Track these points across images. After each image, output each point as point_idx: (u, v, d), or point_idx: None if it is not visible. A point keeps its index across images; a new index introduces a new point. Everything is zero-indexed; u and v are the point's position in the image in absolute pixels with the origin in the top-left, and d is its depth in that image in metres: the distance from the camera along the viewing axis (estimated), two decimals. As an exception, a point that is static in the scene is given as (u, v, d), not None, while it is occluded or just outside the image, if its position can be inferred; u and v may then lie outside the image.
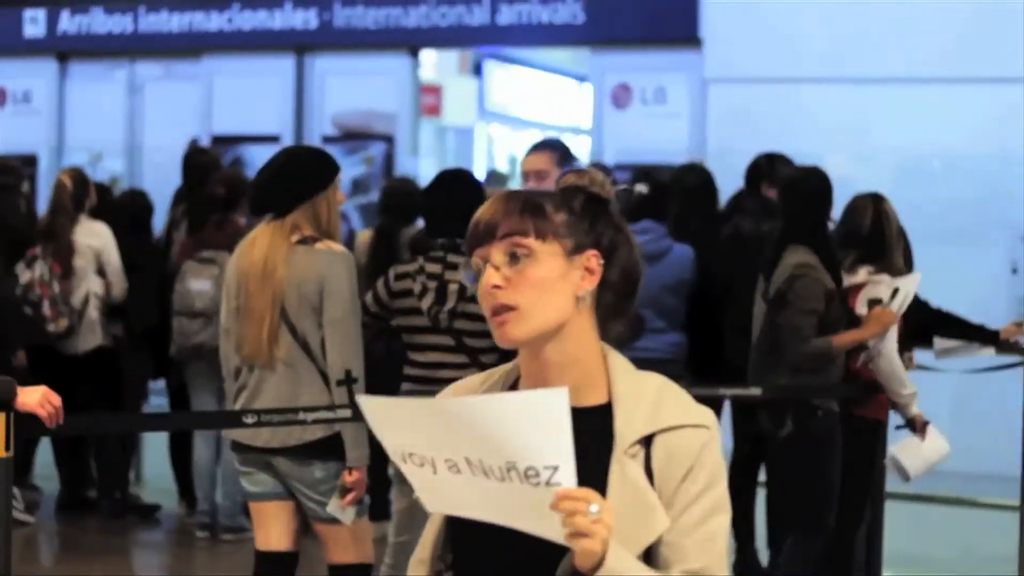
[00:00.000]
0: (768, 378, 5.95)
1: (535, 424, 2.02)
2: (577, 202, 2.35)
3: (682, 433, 2.28)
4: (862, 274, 6.05)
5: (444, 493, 2.13)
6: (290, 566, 5.12)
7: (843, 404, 5.98)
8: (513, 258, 2.28)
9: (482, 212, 2.32)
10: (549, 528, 2.07)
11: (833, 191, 6.10)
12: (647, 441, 2.27)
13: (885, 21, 11.06)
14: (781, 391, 5.91)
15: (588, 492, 2.06)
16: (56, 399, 4.39)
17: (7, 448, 4.40)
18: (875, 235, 6.05)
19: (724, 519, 2.28)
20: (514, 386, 2.39)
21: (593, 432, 2.25)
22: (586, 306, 2.32)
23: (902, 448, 6.12)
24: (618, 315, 2.39)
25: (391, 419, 2.11)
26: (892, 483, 6.43)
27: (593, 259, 2.32)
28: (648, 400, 2.31)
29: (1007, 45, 10.39)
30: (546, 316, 2.27)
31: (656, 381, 2.37)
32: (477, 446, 2.04)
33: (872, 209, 6.07)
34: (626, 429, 2.28)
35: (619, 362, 2.37)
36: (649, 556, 2.23)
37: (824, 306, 5.83)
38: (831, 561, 6.13)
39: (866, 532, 6.29)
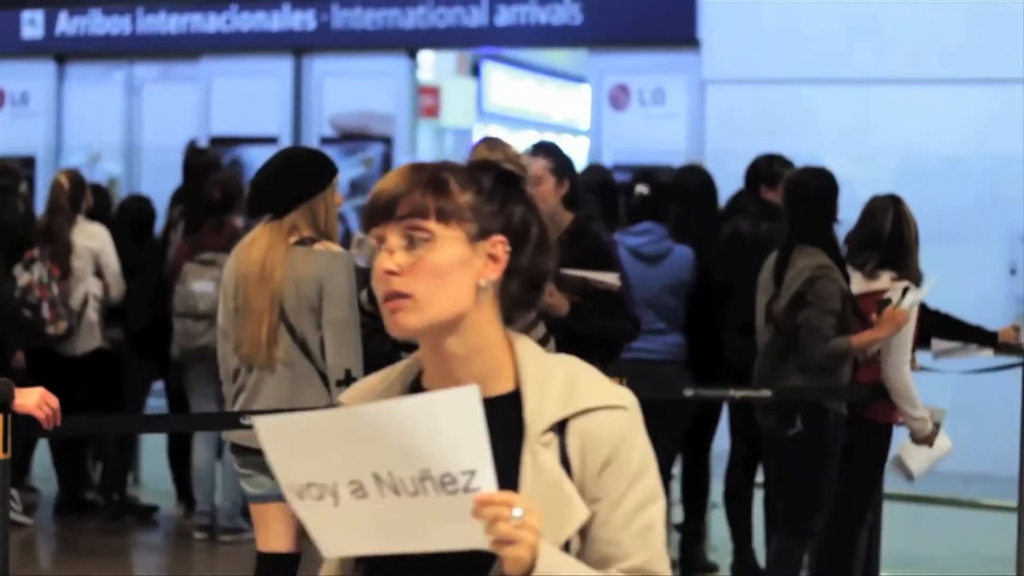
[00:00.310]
0: (778, 379, 5.94)
1: (447, 427, 1.89)
2: (487, 180, 2.18)
3: (598, 416, 2.12)
4: (884, 280, 5.99)
5: (346, 529, 1.97)
6: (291, 567, 5.11)
7: (852, 407, 5.96)
8: (411, 242, 2.11)
9: (383, 183, 2.16)
10: (473, 538, 1.93)
11: (839, 191, 6.06)
12: (561, 428, 2.12)
13: (884, 22, 11.06)
14: (791, 393, 5.89)
15: (510, 496, 1.93)
16: (54, 401, 4.39)
17: (5, 450, 4.39)
18: (895, 238, 5.99)
19: (659, 507, 2.15)
20: (416, 381, 2.24)
21: (502, 422, 2.09)
22: (488, 296, 2.15)
23: (906, 449, 6.11)
24: (523, 306, 2.20)
25: (290, 441, 1.95)
26: (891, 484, 6.42)
27: (499, 246, 2.15)
28: (558, 383, 2.15)
29: (1006, 46, 10.39)
30: (442, 306, 2.11)
31: (567, 363, 2.20)
32: (386, 457, 1.90)
33: (892, 211, 6.02)
34: (536, 416, 2.12)
35: (526, 346, 2.20)
36: (584, 552, 2.11)
37: (841, 307, 5.82)
38: (832, 563, 6.12)
39: (865, 533, 6.29)
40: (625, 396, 2.16)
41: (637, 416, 2.16)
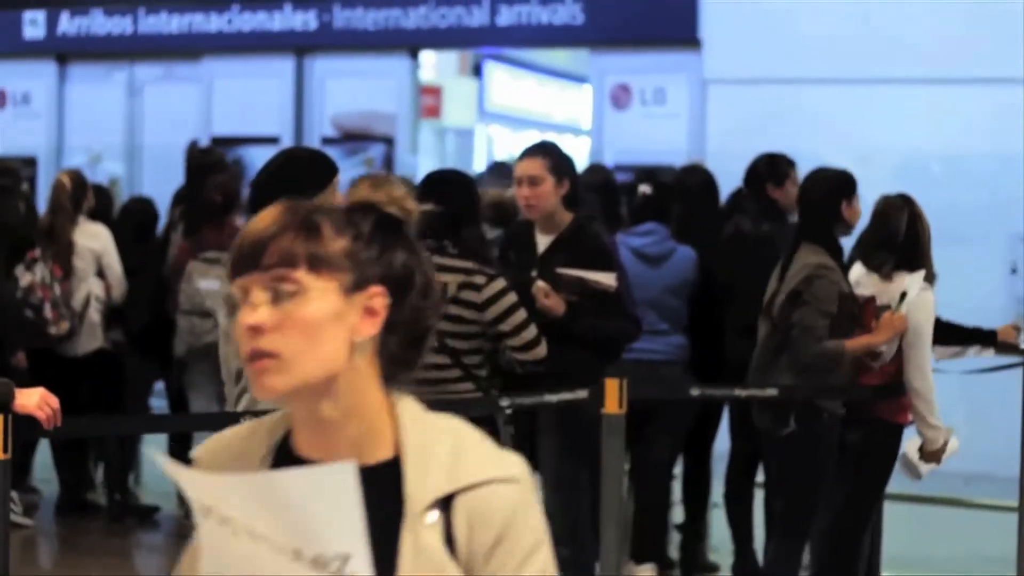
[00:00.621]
0: (770, 376, 5.93)
1: (319, 505, 1.72)
2: (366, 224, 1.98)
3: (489, 491, 1.91)
4: (901, 281, 5.95)
5: (236, 564, 1.80)
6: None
7: (857, 406, 5.93)
8: (278, 294, 1.91)
9: (251, 226, 1.96)
10: None
11: (853, 193, 6.00)
12: (446, 503, 1.91)
13: (884, 21, 11.06)
14: (796, 392, 5.87)
15: None
16: (54, 401, 4.39)
17: (5, 450, 4.39)
18: (911, 238, 5.92)
19: None
20: (285, 441, 2.02)
21: (380, 494, 1.89)
22: (366, 353, 1.95)
23: (914, 445, 6.08)
24: (405, 364, 2.00)
25: (188, 479, 1.84)
26: (891, 484, 6.42)
27: (377, 298, 1.95)
28: (443, 453, 1.93)
29: (1007, 45, 10.38)
30: (313, 366, 1.91)
31: (454, 429, 1.98)
32: (263, 526, 1.75)
33: (907, 211, 5.98)
34: (419, 490, 1.91)
35: (409, 409, 1.99)
36: None
37: (837, 309, 5.79)
38: (834, 563, 6.10)
39: (867, 533, 6.28)
40: (516, 466, 1.95)
41: (529, 488, 1.95)
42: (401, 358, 1.99)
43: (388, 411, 1.98)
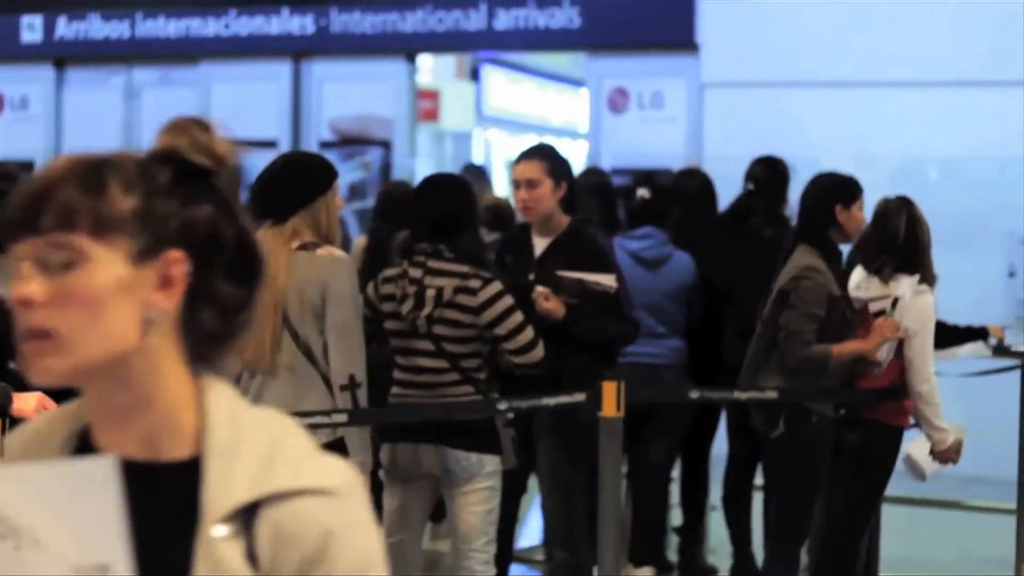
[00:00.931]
0: (760, 378, 5.93)
1: (78, 506, 1.50)
2: (164, 176, 1.68)
3: (299, 503, 1.63)
4: (903, 283, 5.93)
5: None
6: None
7: (855, 409, 5.93)
8: (54, 263, 1.62)
9: (29, 181, 1.67)
10: None
11: (853, 197, 5.99)
12: (251, 513, 1.63)
13: (883, 25, 11.06)
14: (795, 395, 5.86)
15: None
16: (52, 405, 4.39)
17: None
18: (910, 241, 5.91)
19: None
20: (86, 432, 1.73)
21: (174, 499, 1.64)
22: (164, 329, 1.66)
23: (918, 446, 6.06)
24: (220, 341, 1.72)
25: None
26: (888, 486, 6.42)
27: (175, 265, 1.65)
28: (254, 454, 1.64)
29: (1005, 48, 10.39)
30: (96, 347, 1.62)
31: (273, 428, 1.69)
32: (33, 529, 1.52)
33: (907, 214, 5.98)
34: (218, 495, 1.62)
35: (220, 400, 1.70)
36: None
37: (826, 312, 5.78)
38: (833, 565, 6.09)
39: (865, 536, 6.28)
40: (338, 476, 1.67)
41: (356, 503, 1.67)
42: (214, 334, 1.71)
43: (193, 402, 1.70)
